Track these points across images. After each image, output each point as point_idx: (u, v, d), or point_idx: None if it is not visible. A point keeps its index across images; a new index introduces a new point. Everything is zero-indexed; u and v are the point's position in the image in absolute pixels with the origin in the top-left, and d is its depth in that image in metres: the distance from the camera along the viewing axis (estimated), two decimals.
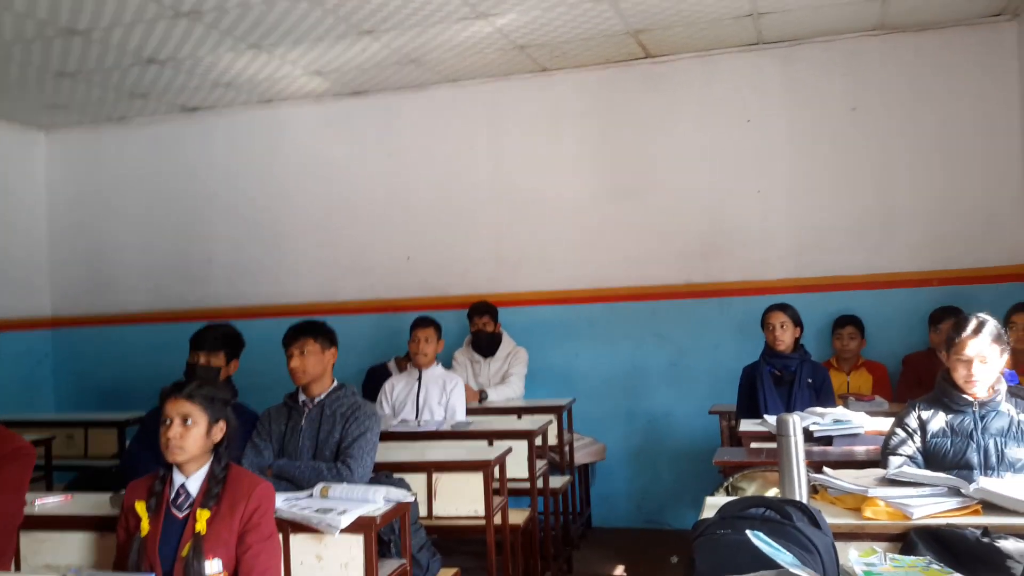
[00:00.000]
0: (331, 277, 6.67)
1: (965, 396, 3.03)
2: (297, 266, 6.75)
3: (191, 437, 2.77)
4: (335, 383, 3.67)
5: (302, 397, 3.63)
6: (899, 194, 5.64)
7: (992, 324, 3.04)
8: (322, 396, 3.60)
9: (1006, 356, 3.04)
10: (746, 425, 4.26)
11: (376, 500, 3.02)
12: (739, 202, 5.90)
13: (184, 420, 2.78)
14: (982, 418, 3.00)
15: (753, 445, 3.97)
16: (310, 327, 3.68)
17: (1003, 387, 3.05)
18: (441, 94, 6.43)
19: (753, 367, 4.82)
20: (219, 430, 2.84)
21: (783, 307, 4.80)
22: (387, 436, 4.30)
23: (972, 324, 3.03)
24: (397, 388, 5.10)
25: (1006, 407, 3.02)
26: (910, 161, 5.62)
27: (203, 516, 2.71)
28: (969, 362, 3.00)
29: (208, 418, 2.81)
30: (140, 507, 2.78)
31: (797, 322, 4.78)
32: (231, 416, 2.89)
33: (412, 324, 5.09)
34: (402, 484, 3.44)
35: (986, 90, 5.49)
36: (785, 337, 4.73)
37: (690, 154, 5.99)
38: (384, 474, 3.55)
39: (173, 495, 2.79)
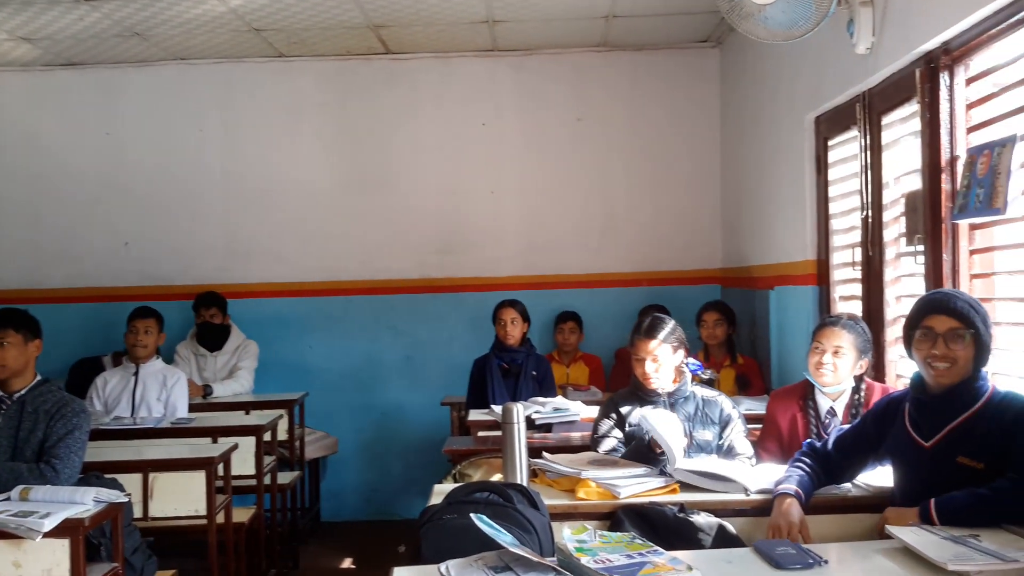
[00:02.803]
0: (36, 262, 6.07)
1: (647, 388, 3.32)
2: None
3: None
4: (38, 378, 3.39)
5: None
6: (616, 201, 6.08)
7: (664, 324, 3.31)
8: (23, 391, 3.33)
9: (681, 352, 3.33)
10: (475, 415, 4.42)
11: (84, 502, 2.83)
12: (474, 201, 6.08)
13: None
14: (671, 406, 3.29)
15: (481, 433, 4.13)
16: (10, 316, 3.37)
17: (688, 376, 3.36)
18: (168, 72, 6.06)
19: (483, 360, 5.01)
20: None
21: (514, 303, 5.04)
22: (98, 434, 4.01)
23: (644, 325, 3.31)
24: (111, 383, 4.75)
25: (695, 390, 3.34)
26: (626, 171, 6.07)
27: None
28: (643, 361, 3.29)
29: None
30: None
31: (526, 318, 5.04)
32: None
33: (130, 315, 4.77)
34: (114, 484, 3.22)
35: (692, 109, 6.06)
36: (515, 332, 4.97)
37: (428, 152, 6.09)
38: (94, 475, 3.31)
39: None
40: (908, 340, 2.54)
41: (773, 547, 2.15)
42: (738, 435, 3.26)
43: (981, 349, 2.42)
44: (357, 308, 6.10)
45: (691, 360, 3.39)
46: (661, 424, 2.97)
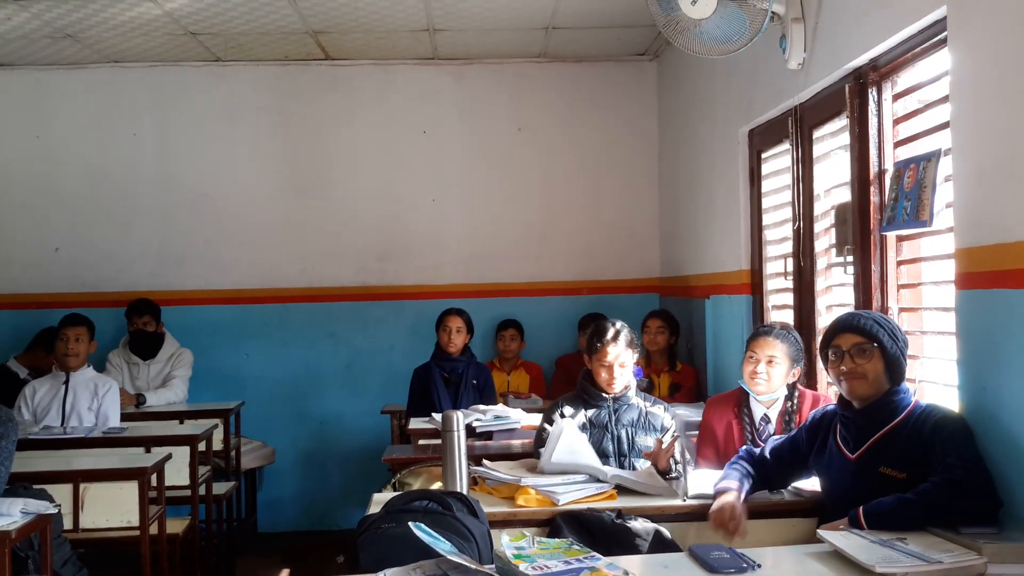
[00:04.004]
0: None
1: (602, 393, 3.38)
2: None
3: None
4: None
5: None
6: (556, 210, 6.13)
7: (626, 331, 3.41)
8: None
9: (637, 356, 3.44)
10: (415, 423, 4.41)
11: (11, 513, 2.76)
12: (415, 209, 6.07)
13: None
14: (615, 411, 3.37)
15: (421, 442, 4.12)
16: None
17: (633, 383, 3.44)
18: (101, 74, 5.93)
19: (424, 368, 5.00)
20: None
21: (460, 312, 5.03)
22: (27, 444, 3.91)
23: (610, 332, 3.38)
24: (40, 392, 4.63)
25: (636, 400, 3.42)
26: (566, 181, 6.13)
27: None
28: (611, 367, 3.35)
29: None
30: None
31: (470, 328, 5.04)
32: None
33: (60, 322, 4.67)
34: (43, 495, 3.14)
35: (631, 120, 6.14)
36: (458, 340, 4.97)
37: (368, 159, 6.07)
38: (21, 485, 3.22)
39: None
40: (825, 363, 2.68)
41: (708, 551, 2.19)
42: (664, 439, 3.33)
43: (891, 362, 2.53)
44: (295, 316, 6.03)
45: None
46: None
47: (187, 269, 5.99)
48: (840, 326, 2.62)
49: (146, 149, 6.00)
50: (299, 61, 5.98)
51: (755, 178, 4.32)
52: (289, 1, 4.82)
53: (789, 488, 2.86)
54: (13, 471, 3.22)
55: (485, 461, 3.12)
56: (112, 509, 3.64)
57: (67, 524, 3.52)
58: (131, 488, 3.65)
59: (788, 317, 3.89)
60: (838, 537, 2.23)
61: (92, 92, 5.96)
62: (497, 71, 6.09)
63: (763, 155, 4.23)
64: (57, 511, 3.08)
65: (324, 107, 6.05)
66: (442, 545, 2.05)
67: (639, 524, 2.63)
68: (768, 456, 2.83)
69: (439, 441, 2.97)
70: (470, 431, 3.83)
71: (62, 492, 3.52)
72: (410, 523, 2.10)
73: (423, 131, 6.08)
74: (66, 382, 4.62)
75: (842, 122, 3.35)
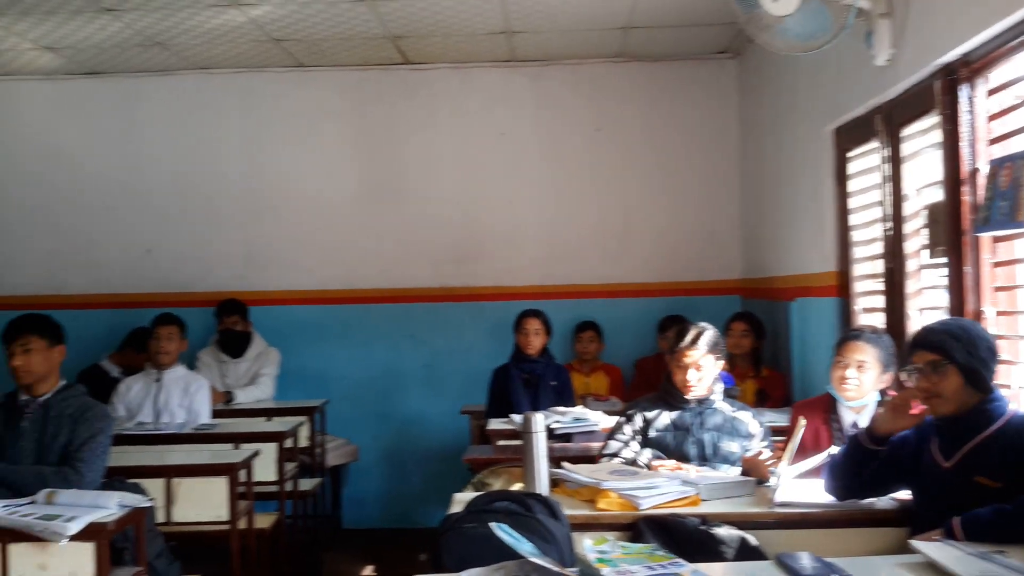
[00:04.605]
0: (56, 268, 6.13)
1: (685, 396, 3.34)
2: (15, 256, 6.13)
3: None
4: (62, 382, 3.42)
5: (23, 396, 3.34)
6: (635, 211, 6.08)
7: (709, 334, 3.35)
8: (47, 396, 3.35)
9: (721, 362, 3.38)
10: (494, 424, 4.43)
11: (109, 506, 2.85)
12: (492, 210, 6.10)
13: None
14: (699, 415, 3.32)
15: (500, 443, 4.14)
16: (34, 322, 3.39)
17: (720, 387, 3.39)
18: (189, 81, 6.12)
19: (503, 369, 5.02)
20: None
21: (538, 313, 5.04)
22: (121, 439, 4.04)
23: (691, 335, 3.34)
24: (133, 389, 4.79)
25: (722, 405, 3.37)
26: (645, 181, 6.07)
27: None
28: (686, 368, 3.31)
29: None
30: None
31: (548, 329, 5.05)
32: None
33: (153, 321, 4.83)
34: (137, 489, 3.26)
35: (711, 120, 6.06)
36: (536, 342, 4.98)
37: (446, 161, 6.12)
38: (117, 479, 3.34)
39: None
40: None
41: (796, 560, 2.14)
42: (763, 450, 3.27)
43: (970, 374, 2.41)
44: (376, 316, 6.12)
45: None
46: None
47: (272, 270, 6.14)
48: (915, 343, 2.54)
49: (232, 153, 6.16)
50: (379, 66, 6.06)
51: (841, 177, 4.21)
52: (369, 7, 4.89)
53: (886, 498, 2.76)
54: (109, 465, 3.35)
55: (565, 463, 3.11)
56: (203, 503, 3.73)
57: (159, 517, 3.61)
58: (221, 483, 3.74)
59: (878, 320, 3.78)
60: (933, 548, 2.16)
61: (180, 98, 6.14)
62: (574, 72, 6.08)
63: (849, 154, 4.12)
64: (151, 505, 3.18)
65: (403, 111, 6.13)
66: (524, 546, 2.05)
67: (724, 531, 2.59)
68: None
69: (518, 442, 2.98)
70: (550, 433, 3.83)
71: (155, 486, 3.63)
72: (492, 524, 2.11)
73: (501, 133, 6.11)
74: (158, 379, 4.77)
75: (932, 120, 3.24)
